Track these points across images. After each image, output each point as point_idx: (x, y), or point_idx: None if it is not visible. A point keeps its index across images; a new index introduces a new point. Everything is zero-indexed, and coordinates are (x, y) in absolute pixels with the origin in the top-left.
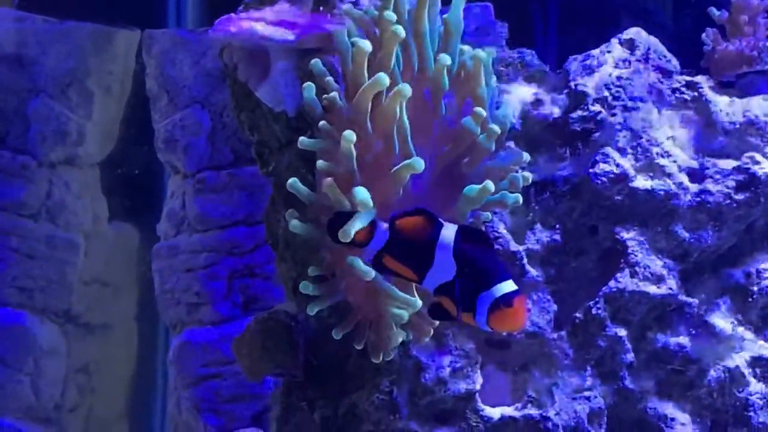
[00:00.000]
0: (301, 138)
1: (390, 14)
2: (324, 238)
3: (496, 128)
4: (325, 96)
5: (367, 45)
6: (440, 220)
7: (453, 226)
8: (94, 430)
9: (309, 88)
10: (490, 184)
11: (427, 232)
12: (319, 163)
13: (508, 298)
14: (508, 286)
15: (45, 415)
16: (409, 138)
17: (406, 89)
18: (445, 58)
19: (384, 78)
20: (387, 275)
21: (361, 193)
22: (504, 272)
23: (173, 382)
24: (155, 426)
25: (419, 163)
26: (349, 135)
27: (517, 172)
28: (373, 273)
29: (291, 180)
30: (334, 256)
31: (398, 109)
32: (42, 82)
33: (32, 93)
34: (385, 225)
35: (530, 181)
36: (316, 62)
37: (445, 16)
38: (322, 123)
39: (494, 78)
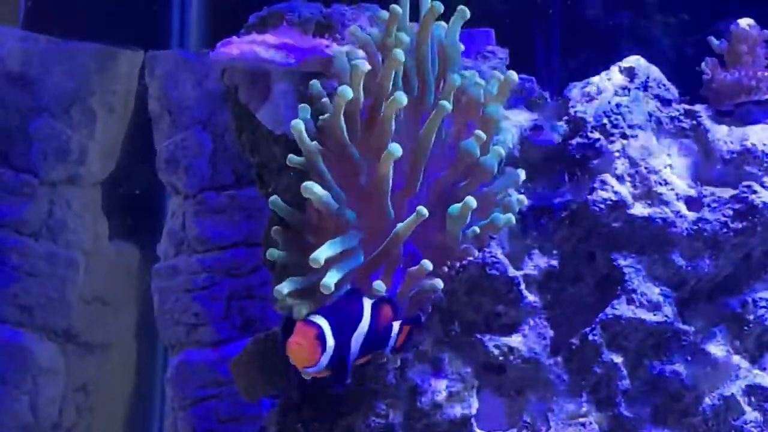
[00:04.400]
0: (290, 155)
1: (402, 36)
2: (304, 259)
3: (501, 149)
4: (321, 117)
5: (365, 65)
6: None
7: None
8: None
9: (303, 109)
10: (471, 200)
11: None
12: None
13: None
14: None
15: None
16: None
17: (401, 97)
18: (456, 79)
19: (402, 97)
20: None
21: (318, 253)
22: None
23: (171, 402)
24: None
25: (397, 149)
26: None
27: (512, 195)
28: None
29: (273, 198)
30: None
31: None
32: (45, 101)
33: (35, 112)
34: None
35: (526, 203)
36: (314, 83)
37: (442, 40)
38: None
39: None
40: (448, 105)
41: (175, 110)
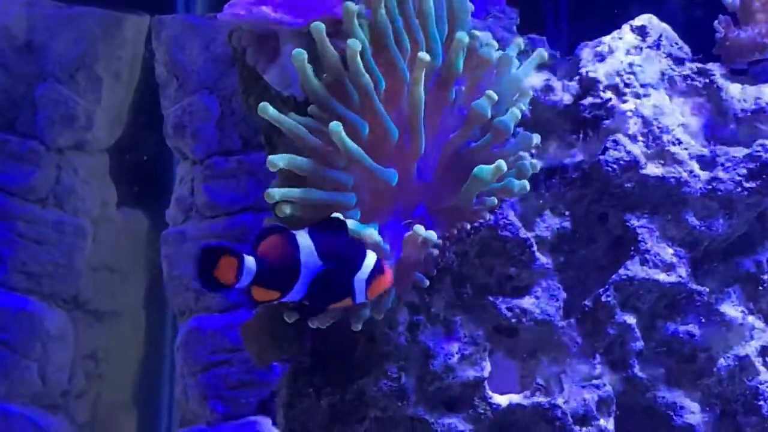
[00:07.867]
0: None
1: None
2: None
3: (517, 111)
4: (325, 75)
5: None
6: (291, 231)
7: (302, 232)
8: (102, 417)
9: (300, 53)
10: (503, 164)
11: (288, 247)
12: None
13: (379, 268)
14: (371, 258)
15: (52, 401)
16: (422, 121)
17: (425, 57)
18: (463, 36)
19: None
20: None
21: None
22: (363, 250)
23: (180, 368)
24: (162, 413)
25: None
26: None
27: (525, 159)
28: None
29: (270, 156)
30: None
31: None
32: (50, 67)
33: (41, 78)
34: (251, 259)
35: (539, 169)
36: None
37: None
38: (312, 107)
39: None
40: (426, 56)
41: (182, 75)
